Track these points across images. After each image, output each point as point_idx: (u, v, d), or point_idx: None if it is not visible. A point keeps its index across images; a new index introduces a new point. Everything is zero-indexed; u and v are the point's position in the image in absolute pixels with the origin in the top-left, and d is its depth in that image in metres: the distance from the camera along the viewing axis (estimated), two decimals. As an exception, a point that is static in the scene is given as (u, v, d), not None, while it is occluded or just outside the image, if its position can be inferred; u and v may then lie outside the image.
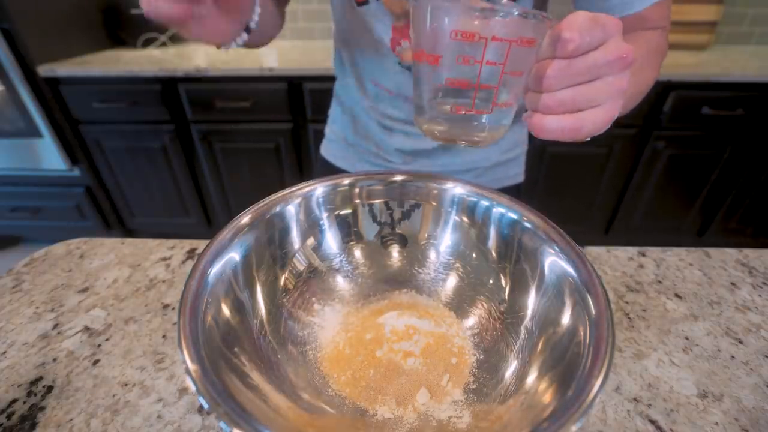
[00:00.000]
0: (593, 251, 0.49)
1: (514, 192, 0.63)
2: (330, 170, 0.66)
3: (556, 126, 0.25)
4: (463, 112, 0.26)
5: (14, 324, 0.39)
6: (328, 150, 0.67)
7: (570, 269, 0.27)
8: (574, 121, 0.25)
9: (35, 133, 1.37)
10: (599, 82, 0.24)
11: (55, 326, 0.38)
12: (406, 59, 0.49)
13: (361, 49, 0.53)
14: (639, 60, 0.38)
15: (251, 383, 0.23)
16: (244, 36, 0.43)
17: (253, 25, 0.43)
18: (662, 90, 1.25)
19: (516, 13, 0.22)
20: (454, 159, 0.59)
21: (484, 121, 0.27)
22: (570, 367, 0.23)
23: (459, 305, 0.34)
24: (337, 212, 0.35)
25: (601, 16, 0.22)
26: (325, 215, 0.35)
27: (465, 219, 0.35)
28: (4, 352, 0.36)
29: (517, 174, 0.64)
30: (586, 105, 0.25)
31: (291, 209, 0.33)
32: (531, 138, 0.63)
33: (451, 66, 0.24)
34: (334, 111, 0.66)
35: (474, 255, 0.35)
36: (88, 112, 1.37)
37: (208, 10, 0.32)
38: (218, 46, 0.39)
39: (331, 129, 0.67)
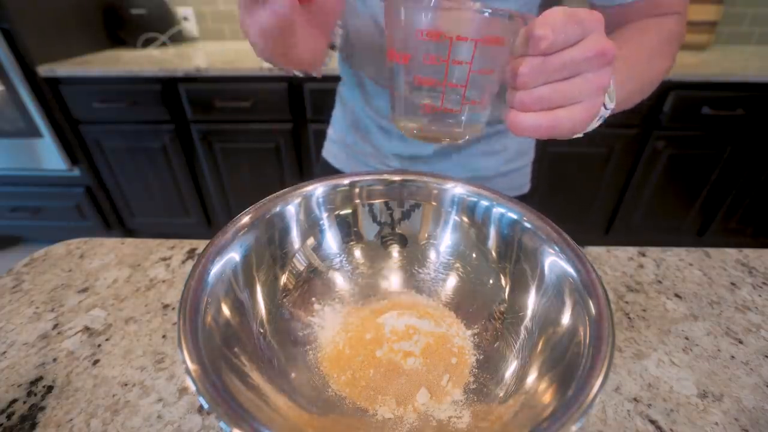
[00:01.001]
0: (593, 251, 0.49)
1: None
2: (330, 172, 0.66)
3: (531, 123, 0.24)
4: (433, 111, 0.26)
5: (14, 324, 0.39)
6: (329, 151, 0.67)
7: (570, 269, 0.27)
8: (551, 119, 0.24)
9: (35, 133, 1.37)
10: (578, 79, 0.24)
11: (55, 326, 0.38)
12: None
13: (362, 44, 0.52)
14: (648, 50, 0.36)
15: (251, 383, 0.23)
16: (331, 53, 0.41)
17: (336, 40, 0.42)
18: (662, 90, 1.25)
19: (484, 12, 0.22)
20: (453, 166, 0.57)
21: (457, 118, 0.27)
22: (570, 367, 0.23)
23: (459, 305, 0.34)
24: (337, 212, 0.35)
25: (579, 11, 0.22)
26: (325, 215, 0.35)
27: (465, 219, 0.35)
28: (4, 352, 0.36)
29: (522, 185, 0.62)
30: (564, 102, 0.24)
31: (291, 209, 0.33)
32: (539, 146, 0.61)
33: (420, 65, 0.25)
34: (336, 112, 0.66)
35: (474, 255, 0.35)
36: (88, 112, 1.37)
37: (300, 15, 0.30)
38: (309, 71, 0.38)
39: (333, 130, 0.67)
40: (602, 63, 0.23)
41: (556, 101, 0.24)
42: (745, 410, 0.31)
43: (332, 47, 0.42)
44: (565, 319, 0.26)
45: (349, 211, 0.36)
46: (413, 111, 0.28)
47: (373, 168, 0.61)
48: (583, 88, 0.24)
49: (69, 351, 0.36)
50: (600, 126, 0.29)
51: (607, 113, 0.28)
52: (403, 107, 0.28)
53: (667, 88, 1.24)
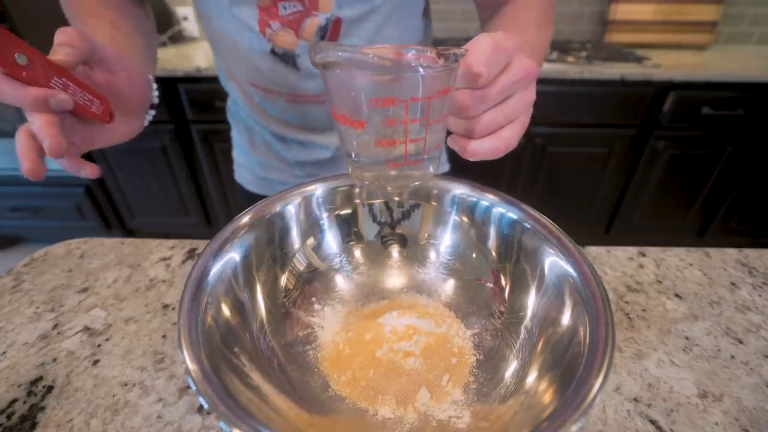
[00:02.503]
0: (593, 251, 0.49)
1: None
2: (248, 198, 0.63)
3: (489, 147, 0.27)
4: (398, 166, 0.27)
5: (14, 324, 0.39)
6: (241, 177, 0.65)
7: (570, 269, 0.27)
8: (500, 142, 0.27)
9: (35, 133, 1.37)
10: (511, 100, 0.26)
11: (55, 326, 0.38)
12: (279, 43, 0.45)
13: (231, 47, 0.49)
14: (535, 24, 0.41)
15: (251, 383, 0.23)
16: (152, 113, 0.43)
17: (155, 100, 0.42)
18: (662, 90, 1.25)
19: (430, 70, 0.22)
20: None
21: (421, 165, 0.28)
22: (570, 367, 0.23)
23: (459, 305, 0.34)
24: (337, 212, 0.35)
25: (500, 40, 0.24)
26: (325, 215, 0.35)
27: (465, 219, 0.35)
28: (4, 352, 0.36)
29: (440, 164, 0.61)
30: (506, 122, 0.27)
31: (291, 209, 0.33)
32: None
33: (377, 129, 0.25)
34: (233, 132, 0.64)
35: (474, 255, 0.35)
36: (88, 112, 1.37)
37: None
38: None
39: (236, 153, 0.65)
40: (528, 81, 0.26)
41: (500, 123, 0.27)
42: (745, 410, 0.31)
43: (152, 107, 0.42)
44: (565, 319, 0.26)
45: (349, 211, 0.36)
46: (376, 166, 0.28)
47: (284, 183, 0.58)
48: (517, 106, 0.27)
49: (69, 351, 0.36)
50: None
51: None
52: (365, 164, 0.28)
53: (667, 88, 1.24)
